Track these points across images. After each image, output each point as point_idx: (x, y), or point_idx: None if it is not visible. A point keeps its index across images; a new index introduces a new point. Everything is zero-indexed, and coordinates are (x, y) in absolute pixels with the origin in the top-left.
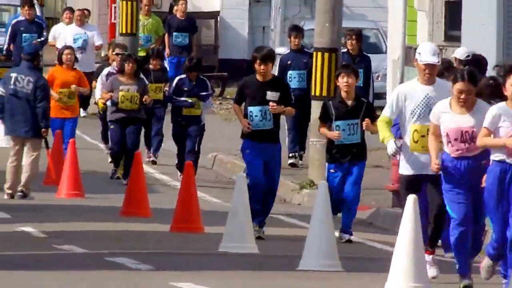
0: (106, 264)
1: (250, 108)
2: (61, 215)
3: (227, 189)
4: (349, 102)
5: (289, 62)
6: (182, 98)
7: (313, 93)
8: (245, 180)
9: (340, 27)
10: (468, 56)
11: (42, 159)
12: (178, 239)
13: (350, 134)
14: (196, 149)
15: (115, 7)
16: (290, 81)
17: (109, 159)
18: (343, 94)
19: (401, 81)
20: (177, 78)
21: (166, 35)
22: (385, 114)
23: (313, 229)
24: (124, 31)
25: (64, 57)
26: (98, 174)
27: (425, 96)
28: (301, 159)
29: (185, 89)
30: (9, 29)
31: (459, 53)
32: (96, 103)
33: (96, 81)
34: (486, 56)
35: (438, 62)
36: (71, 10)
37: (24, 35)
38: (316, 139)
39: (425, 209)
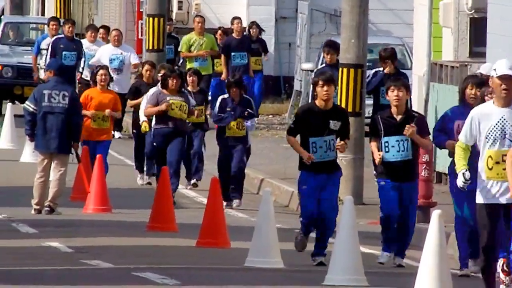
0: (133, 279)
1: (313, 139)
2: (88, 230)
3: (253, 204)
4: (399, 117)
5: (312, 80)
6: (229, 113)
7: None
8: (271, 196)
9: (366, 43)
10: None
11: (69, 174)
12: (204, 254)
13: (399, 150)
14: (242, 171)
15: (141, 23)
16: None
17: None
18: (393, 109)
19: (427, 98)
20: (220, 97)
21: (223, 57)
22: (461, 139)
23: (339, 244)
24: (151, 47)
25: (98, 77)
26: (125, 189)
27: (501, 119)
28: None
29: (228, 109)
30: (49, 47)
31: (486, 69)
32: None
33: (130, 100)
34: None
35: None
36: (95, 28)
37: (64, 52)
38: (343, 155)
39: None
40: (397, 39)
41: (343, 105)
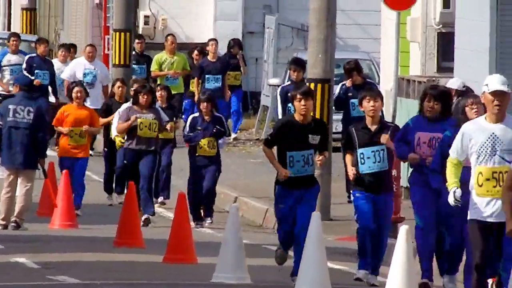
0: None
1: (291, 153)
2: (55, 246)
3: (220, 220)
4: (374, 128)
5: (289, 94)
6: (199, 132)
7: None
8: (238, 211)
9: (333, 58)
10: (464, 86)
11: (36, 189)
12: (171, 270)
13: (375, 161)
14: (213, 191)
15: (108, 38)
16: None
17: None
18: (368, 120)
19: (394, 113)
20: (191, 116)
21: (196, 79)
22: (451, 155)
23: (306, 259)
24: (117, 62)
25: (74, 94)
26: (92, 205)
27: (492, 135)
28: None
29: (199, 127)
30: (25, 64)
31: (456, 83)
32: (113, 139)
33: (102, 118)
34: (478, 87)
35: (509, 91)
36: (67, 48)
37: (36, 71)
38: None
39: (490, 261)
40: (365, 54)
41: None
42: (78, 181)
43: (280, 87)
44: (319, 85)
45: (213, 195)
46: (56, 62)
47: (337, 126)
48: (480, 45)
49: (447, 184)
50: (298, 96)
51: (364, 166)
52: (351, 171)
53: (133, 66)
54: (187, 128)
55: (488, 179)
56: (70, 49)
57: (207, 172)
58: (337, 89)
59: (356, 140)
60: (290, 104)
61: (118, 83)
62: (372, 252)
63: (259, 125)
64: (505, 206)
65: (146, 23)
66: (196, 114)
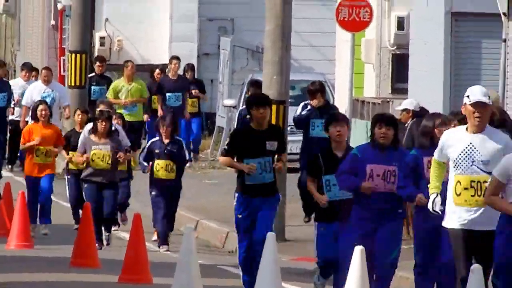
0: None
1: (248, 161)
2: (11, 266)
3: (175, 241)
4: (340, 154)
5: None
6: (145, 164)
7: None
8: (193, 232)
9: (288, 80)
10: (419, 107)
11: None
12: None
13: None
14: (171, 217)
15: (64, 60)
16: None
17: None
18: (333, 145)
19: (348, 134)
20: (150, 141)
21: (158, 96)
22: (434, 156)
23: (260, 279)
24: (73, 84)
25: (39, 112)
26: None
27: (469, 145)
28: None
29: (157, 151)
30: None
31: (413, 104)
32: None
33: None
34: (433, 107)
35: (489, 103)
36: (30, 68)
37: None
38: None
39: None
40: (319, 75)
41: None
42: (46, 195)
43: (239, 110)
44: (274, 106)
45: (171, 222)
46: (19, 81)
47: (291, 147)
48: (435, 66)
49: (429, 186)
50: (255, 106)
51: (330, 193)
52: (323, 199)
53: (93, 87)
54: (144, 153)
55: (466, 188)
56: (32, 69)
57: (165, 198)
58: (298, 109)
59: (323, 166)
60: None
61: (78, 112)
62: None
63: (214, 146)
64: (501, 205)
65: (102, 44)
66: (156, 139)
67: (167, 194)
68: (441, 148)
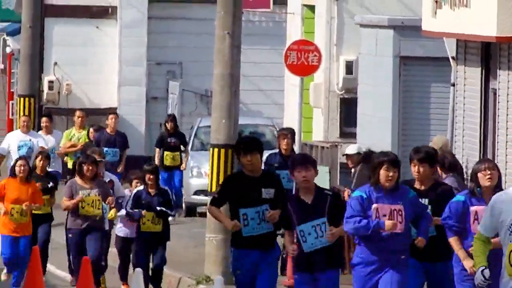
0: None
1: (244, 211)
2: None
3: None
4: (310, 199)
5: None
6: (136, 210)
7: (209, 190)
8: (142, 277)
9: (237, 124)
10: (369, 150)
11: None
12: None
13: (317, 236)
14: (161, 269)
15: (12, 104)
16: None
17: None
18: (301, 191)
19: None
20: (135, 190)
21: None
22: (479, 230)
23: None
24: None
25: (17, 168)
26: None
27: None
28: None
29: (143, 201)
30: None
31: (354, 149)
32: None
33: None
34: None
35: None
36: None
37: None
38: (213, 235)
39: None
40: (268, 120)
41: (214, 186)
42: (24, 260)
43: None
44: (222, 151)
45: (161, 274)
46: None
47: None
48: (383, 110)
49: (474, 263)
50: (243, 150)
51: (306, 244)
52: (292, 249)
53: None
54: (131, 203)
55: None
56: None
57: (153, 251)
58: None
59: (295, 217)
60: None
61: (40, 156)
62: None
63: None
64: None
65: (50, 88)
66: (141, 188)
67: (153, 247)
68: (490, 218)
